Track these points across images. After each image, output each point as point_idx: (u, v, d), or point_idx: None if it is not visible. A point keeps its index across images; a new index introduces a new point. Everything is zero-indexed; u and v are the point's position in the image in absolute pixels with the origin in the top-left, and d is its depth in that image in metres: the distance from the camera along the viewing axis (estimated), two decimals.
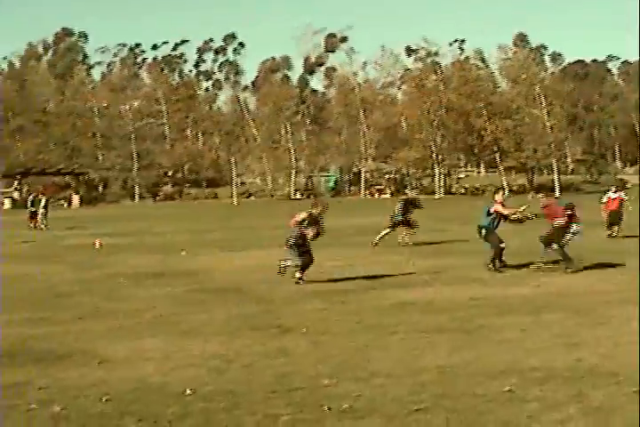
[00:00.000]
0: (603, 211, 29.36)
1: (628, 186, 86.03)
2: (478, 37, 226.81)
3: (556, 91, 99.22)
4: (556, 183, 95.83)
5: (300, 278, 17.92)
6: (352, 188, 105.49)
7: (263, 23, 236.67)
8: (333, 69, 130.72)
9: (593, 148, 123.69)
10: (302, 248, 18.09)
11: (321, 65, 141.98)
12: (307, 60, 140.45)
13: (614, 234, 28.46)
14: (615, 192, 29.76)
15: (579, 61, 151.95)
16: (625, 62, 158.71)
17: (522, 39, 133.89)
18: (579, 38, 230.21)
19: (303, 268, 18.04)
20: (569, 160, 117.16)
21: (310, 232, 18.22)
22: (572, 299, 14.89)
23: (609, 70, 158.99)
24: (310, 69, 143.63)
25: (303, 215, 18.42)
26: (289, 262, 18.14)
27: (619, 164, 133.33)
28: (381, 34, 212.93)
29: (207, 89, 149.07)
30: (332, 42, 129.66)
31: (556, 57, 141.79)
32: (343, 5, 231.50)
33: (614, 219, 28.71)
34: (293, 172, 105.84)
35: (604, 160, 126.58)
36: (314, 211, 18.68)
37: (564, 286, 16.59)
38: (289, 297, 16.06)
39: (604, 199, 29.54)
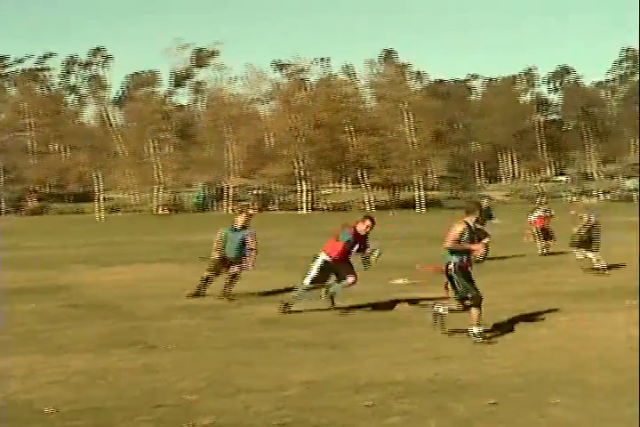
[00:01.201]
0: (529, 229, 29.83)
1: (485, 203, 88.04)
2: (348, 54, 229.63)
3: (422, 108, 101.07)
4: (421, 199, 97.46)
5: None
6: (217, 203, 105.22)
7: (132, 37, 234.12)
8: (200, 84, 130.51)
9: (456, 164, 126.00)
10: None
11: (188, 79, 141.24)
12: (174, 74, 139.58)
13: (545, 251, 29.00)
14: (545, 211, 30.26)
15: (440, 81, 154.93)
16: (490, 80, 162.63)
17: (388, 56, 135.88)
18: (441, 57, 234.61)
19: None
20: (433, 176, 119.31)
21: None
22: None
23: (470, 88, 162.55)
24: (178, 84, 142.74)
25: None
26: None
27: (479, 180, 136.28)
28: (254, 50, 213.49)
29: (72, 103, 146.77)
30: (201, 57, 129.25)
31: (420, 75, 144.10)
32: (216, 21, 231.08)
33: (546, 235, 29.33)
34: (158, 187, 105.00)
35: (467, 177, 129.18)
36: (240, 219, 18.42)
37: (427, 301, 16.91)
38: (157, 313, 15.96)
39: (533, 218, 29.93)
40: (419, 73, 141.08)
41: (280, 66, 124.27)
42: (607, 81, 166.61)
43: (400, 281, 20.25)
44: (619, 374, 9.86)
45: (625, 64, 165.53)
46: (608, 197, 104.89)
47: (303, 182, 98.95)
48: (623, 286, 18.49)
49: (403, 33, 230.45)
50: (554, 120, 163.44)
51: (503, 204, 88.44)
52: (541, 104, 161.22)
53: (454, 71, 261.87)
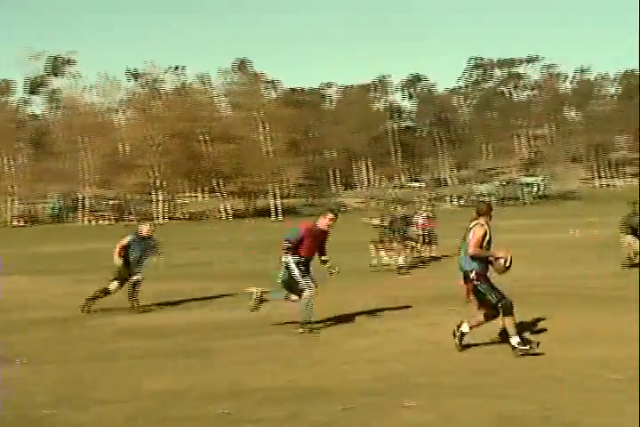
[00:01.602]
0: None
1: (347, 209, 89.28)
2: (203, 63, 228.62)
3: (277, 116, 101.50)
4: (277, 207, 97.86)
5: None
6: (73, 214, 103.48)
7: None
8: (55, 93, 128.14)
9: (312, 172, 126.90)
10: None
11: (42, 87, 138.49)
12: (29, 82, 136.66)
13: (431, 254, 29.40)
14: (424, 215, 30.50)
15: (294, 89, 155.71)
16: (344, 88, 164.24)
17: (242, 65, 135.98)
18: (295, 66, 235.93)
19: None
20: (289, 184, 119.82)
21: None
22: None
23: (324, 97, 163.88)
24: (32, 92, 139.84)
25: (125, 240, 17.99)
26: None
27: (335, 187, 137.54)
28: (110, 59, 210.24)
29: None
30: (56, 65, 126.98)
31: (274, 84, 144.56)
32: (71, 30, 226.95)
33: (430, 239, 29.62)
34: (12, 198, 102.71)
35: (323, 184, 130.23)
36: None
37: (288, 308, 17.01)
38: (11, 326, 15.66)
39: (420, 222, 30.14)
40: (272, 82, 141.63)
41: (134, 75, 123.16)
42: (460, 87, 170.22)
43: (254, 289, 20.24)
44: (472, 376, 10.14)
45: (475, 71, 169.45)
46: (462, 202, 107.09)
47: (159, 192, 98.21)
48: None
49: (257, 42, 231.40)
50: (408, 127, 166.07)
51: (358, 210, 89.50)
52: (395, 111, 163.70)
53: (308, 80, 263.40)
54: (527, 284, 19.89)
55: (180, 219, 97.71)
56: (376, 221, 27.16)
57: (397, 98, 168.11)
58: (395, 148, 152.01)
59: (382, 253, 25.95)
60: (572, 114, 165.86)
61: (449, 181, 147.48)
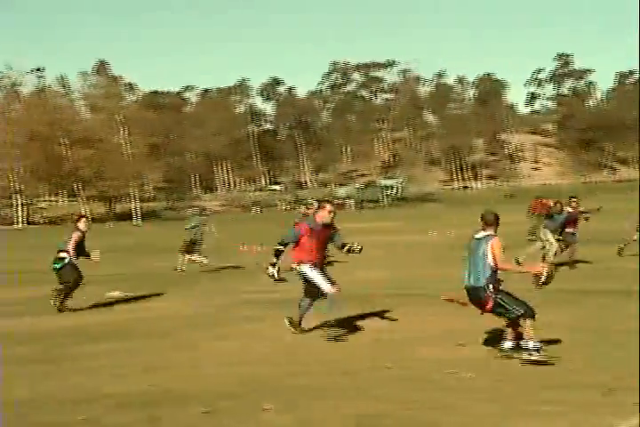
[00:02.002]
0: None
1: (207, 213, 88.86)
2: (62, 66, 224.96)
3: (137, 120, 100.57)
4: (137, 211, 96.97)
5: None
6: None
7: None
8: None
9: (172, 175, 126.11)
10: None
11: None
12: None
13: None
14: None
15: (155, 92, 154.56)
16: (205, 91, 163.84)
17: (102, 68, 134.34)
18: (156, 69, 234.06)
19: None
20: (149, 188, 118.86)
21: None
22: (157, 324, 15.20)
23: (185, 100, 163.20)
24: None
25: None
26: None
27: (196, 191, 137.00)
28: None
29: None
30: None
31: (133, 87, 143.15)
32: None
33: None
34: None
35: (184, 187, 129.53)
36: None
37: (160, 311, 16.93)
38: None
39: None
40: (131, 85, 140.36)
41: None
42: (320, 91, 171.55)
43: (116, 294, 20.11)
44: (332, 377, 10.24)
45: (334, 75, 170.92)
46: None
47: (18, 196, 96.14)
48: None
49: (117, 44, 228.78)
50: (268, 130, 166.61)
51: (218, 213, 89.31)
52: (255, 115, 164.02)
53: (169, 83, 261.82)
54: (379, 285, 20.25)
55: (39, 223, 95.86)
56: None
57: (258, 101, 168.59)
58: (255, 151, 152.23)
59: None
60: (430, 117, 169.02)
61: (309, 184, 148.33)
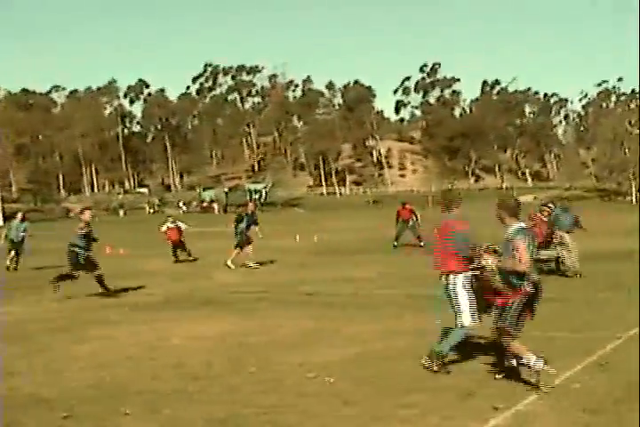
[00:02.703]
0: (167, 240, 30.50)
1: (71, 215, 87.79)
2: None
3: (3, 119, 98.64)
4: (1, 212, 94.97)
5: None
6: None
7: None
8: None
9: (38, 176, 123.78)
10: None
11: None
12: None
13: (181, 258, 29.39)
14: (173, 222, 30.33)
15: (26, 90, 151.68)
16: (73, 92, 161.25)
17: None
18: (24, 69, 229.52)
19: None
20: (14, 188, 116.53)
21: None
22: (15, 328, 14.97)
23: (53, 100, 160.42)
24: None
25: None
26: None
27: (62, 192, 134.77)
28: None
29: None
30: None
31: None
32: None
33: (180, 246, 29.62)
34: None
35: (49, 189, 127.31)
36: None
37: (17, 315, 16.63)
38: None
39: (164, 228, 30.16)
40: None
41: None
42: (190, 93, 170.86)
43: None
44: (192, 381, 10.25)
45: (204, 78, 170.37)
46: (190, 208, 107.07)
47: None
48: (201, 295, 19.19)
49: None
50: (136, 132, 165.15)
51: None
52: (124, 116, 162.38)
53: (38, 83, 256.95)
54: (243, 289, 20.33)
55: None
56: None
57: (127, 103, 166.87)
58: (122, 153, 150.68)
59: None
60: (299, 123, 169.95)
61: (176, 187, 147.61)
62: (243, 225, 26.63)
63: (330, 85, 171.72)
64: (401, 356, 11.20)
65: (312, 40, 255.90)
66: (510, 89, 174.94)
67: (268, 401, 9.13)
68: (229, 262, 26.06)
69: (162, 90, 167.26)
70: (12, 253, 28.94)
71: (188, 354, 11.98)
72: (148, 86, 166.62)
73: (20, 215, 30.50)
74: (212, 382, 10.17)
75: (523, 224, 9.66)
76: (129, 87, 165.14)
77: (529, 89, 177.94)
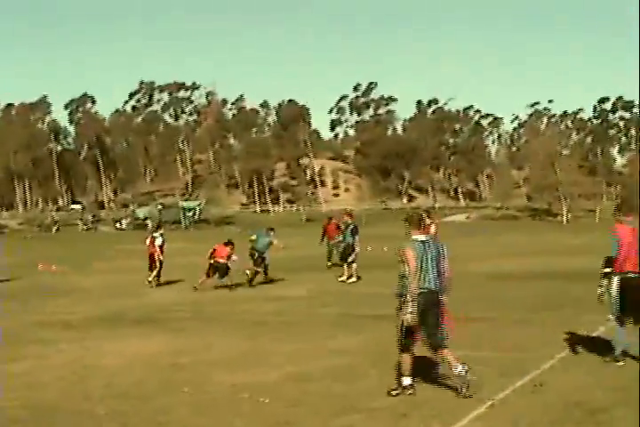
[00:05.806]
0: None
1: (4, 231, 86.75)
2: None
3: None
4: None
5: None
6: None
7: None
8: None
9: None
10: None
11: None
12: None
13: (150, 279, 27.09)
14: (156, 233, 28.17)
15: None
16: (7, 106, 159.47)
17: None
18: None
19: None
20: None
21: None
22: None
23: None
24: None
25: None
26: None
27: None
28: None
29: None
30: None
31: None
32: None
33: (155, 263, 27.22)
34: None
35: None
36: None
37: None
38: None
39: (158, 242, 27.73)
40: None
41: None
42: (124, 110, 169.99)
43: None
44: (124, 401, 10.15)
45: (139, 95, 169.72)
46: (124, 225, 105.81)
47: None
48: (133, 314, 19.08)
49: None
50: (69, 149, 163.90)
51: (18, 232, 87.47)
52: (57, 133, 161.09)
53: None
54: (177, 308, 20.26)
55: None
56: None
57: (61, 119, 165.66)
58: (56, 169, 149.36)
59: None
60: (233, 141, 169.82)
61: (110, 204, 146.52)
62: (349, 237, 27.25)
63: (264, 104, 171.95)
64: (335, 376, 11.21)
65: (246, 58, 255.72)
66: (445, 109, 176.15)
67: (202, 422, 9.10)
68: (345, 279, 26.59)
69: (94, 106, 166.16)
70: None
71: (120, 374, 11.87)
72: (83, 103, 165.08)
73: None
74: (144, 402, 10.08)
75: (422, 237, 10.02)
76: (71, 101, 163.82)
77: (466, 109, 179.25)
